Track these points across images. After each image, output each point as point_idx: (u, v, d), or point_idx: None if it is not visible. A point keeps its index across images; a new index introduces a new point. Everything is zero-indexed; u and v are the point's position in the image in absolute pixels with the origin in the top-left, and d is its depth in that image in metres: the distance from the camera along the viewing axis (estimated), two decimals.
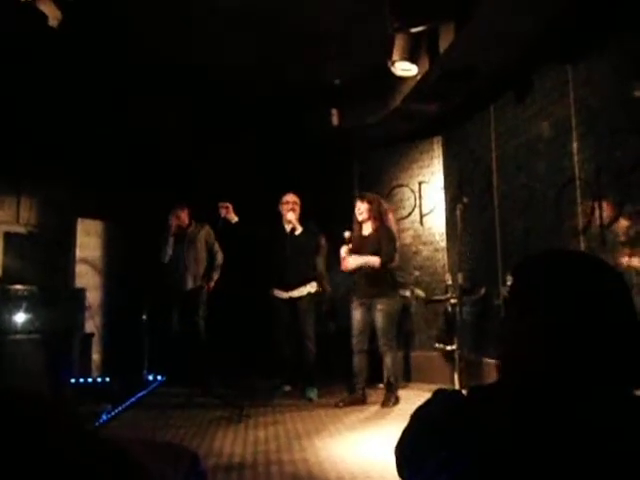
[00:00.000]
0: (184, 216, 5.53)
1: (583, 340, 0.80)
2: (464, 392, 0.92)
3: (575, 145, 3.73)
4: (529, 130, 4.28)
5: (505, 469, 0.75)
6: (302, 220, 4.92)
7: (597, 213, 3.50)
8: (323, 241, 4.99)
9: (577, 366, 0.80)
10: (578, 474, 0.72)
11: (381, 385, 4.79)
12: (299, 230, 4.88)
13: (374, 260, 4.36)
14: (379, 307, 4.35)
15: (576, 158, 3.72)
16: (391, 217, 4.59)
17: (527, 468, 0.74)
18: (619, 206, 3.33)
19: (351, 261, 4.38)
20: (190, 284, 5.41)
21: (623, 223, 3.31)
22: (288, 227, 4.93)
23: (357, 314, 4.49)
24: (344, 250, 4.41)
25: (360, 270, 4.44)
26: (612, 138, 3.36)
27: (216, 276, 5.42)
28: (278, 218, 5.00)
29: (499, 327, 1.05)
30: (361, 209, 4.48)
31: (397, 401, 4.41)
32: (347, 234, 4.44)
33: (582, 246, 3.61)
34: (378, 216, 4.46)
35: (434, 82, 4.39)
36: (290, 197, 4.94)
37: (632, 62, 3.17)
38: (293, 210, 4.87)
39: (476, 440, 0.79)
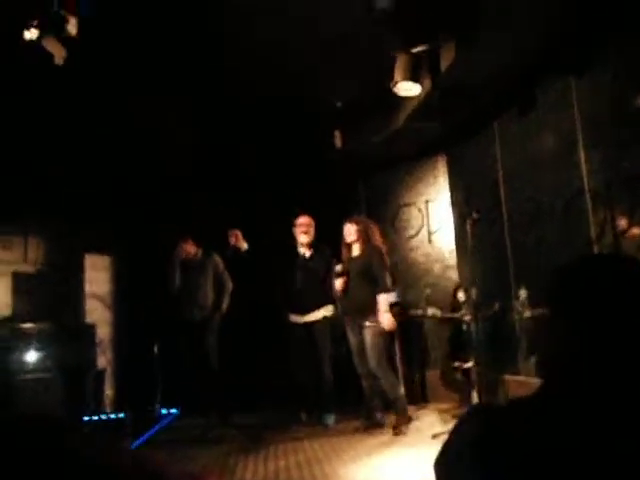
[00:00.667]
0: (189, 247, 5.49)
1: (624, 345, 0.78)
2: (502, 406, 0.90)
3: (582, 156, 3.73)
4: (534, 144, 4.30)
5: None
6: (316, 243, 4.91)
7: (609, 222, 3.49)
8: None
9: (620, 374, 0.78)
10: None
11: (411, 407, 4.71)
12: (310, 250, 4.86)
13: (384, 304, 4.30)
14: (367, 324, 4.31)
15: (584, 169, 3.72)
16: (380, 240, 4.57)
17: None
18: (631, 214, 3.32)
19: (386, 319, 4.28)
20: (197, 315, 5.35)
21: (636, 231, 3.30)
22: (302, 250, 4.92)
23: (351, 336, 4.47)
24: (339, 283, 4.43)
25: (350, 291, 4.43)
26: (619, 148, 3.37)
27: (225, 305, 5.33)
28: (291, 241, 4.99)
29: (536, 336, 1.03)
30: (350, 230, 4.49)
31: (409, 420, 4.29)
32: (338, 267, 4.47)
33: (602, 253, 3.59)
34: (366, 237, 4.46)
35: (436, 101, 4.43)
36: (304, 219, 4.93)
37: (634, 71, 3.19)
38: (307, 233, 4.86)
39: (517, 458, 0.77)
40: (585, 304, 0.84)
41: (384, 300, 4.33)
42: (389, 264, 4.54)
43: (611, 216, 3.49)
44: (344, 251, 4.56)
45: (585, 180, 3.72)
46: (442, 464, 0.92)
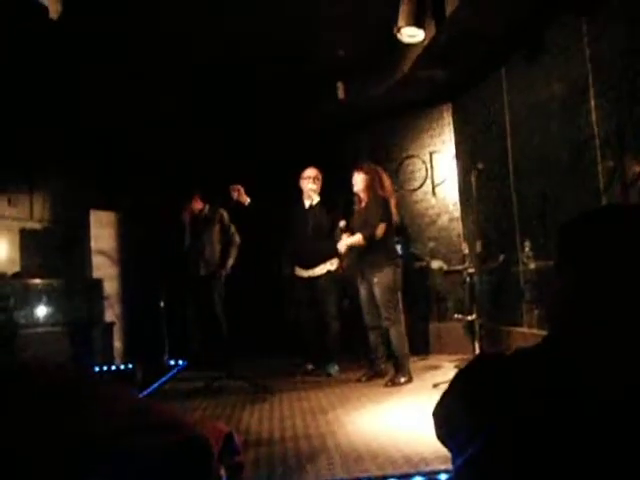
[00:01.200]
0: (196, 204, 5.52)
1: (630, 297, 0.77)
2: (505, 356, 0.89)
3: (593, 103, 3.62)
4: (542, 91, 4.17)
5: (539, 436, 0.73)
6: (322, 196, 4.88)
7: (619, 172, 3.41)
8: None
9: (615, 324, 0.77)
10: (614, 440, 0.69)
11: (414, 358, 4.78)
12: (317, 202, 4.82)
13: (357, 239, 4.29)
14: (375, 281, 4.29)
15: (594, 117, 3.62)
16: (387, 186, 4.44)
17: (562, 435, 0.72)
18: None
19: (339, 246, 4.38)
20: (203, 270, 5.41)
21: None
22: (308, 203, 4.89)
23: (362, 290, 4.47)
24: (342, 244, 4.41)
25: (352, 249, 4.43)
26: (631, 93, 3.26)
27: (232, 260, 5.37)
28: (298, 195, 4.95)
29: (544, 288, 1.02)
30: (357, 180, 4.41)
31: (410, 379, 4.28)
32: (342, 224, 4.44)
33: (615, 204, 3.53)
34: (374, 186, 4.36)
35: (441, 47, 4.29)
36: (311, 171, 4.88)
37: None
38: (314, 185, 4.84)
39: (509, 407, 0.77)
40: (592, 256, 0.82)
41: (349, 241, 4.30)
42: (395, 215, 4.44)
43: (621, 165, 3.40)
44: (356, 200, 4.52)
45: (595, 128, 3.62)
46: (441, 413, 0.92)
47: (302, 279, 4.88)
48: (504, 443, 0.76)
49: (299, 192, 4.94)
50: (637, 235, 0.80)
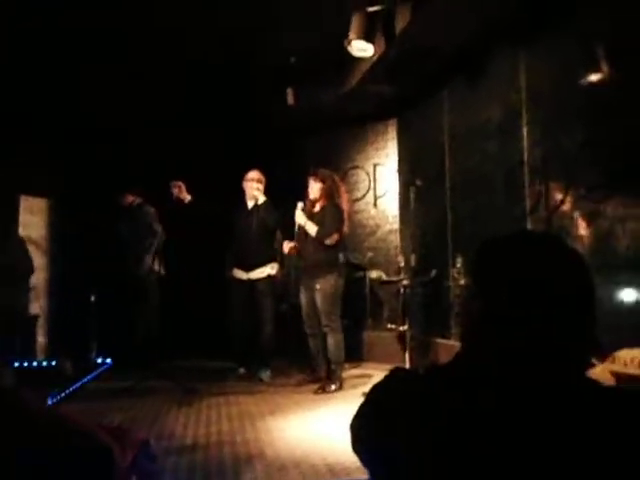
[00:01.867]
0: (127, 197, 5.40)
1: (529, 323, 0.81)
2: (420, 371, 0.93)
3: (525, 130, 3.82)
4: (481, 113, 4.35)
5: (439, 457, 0.76)
6: (265, 198, 4.84)
7: (544, 197, 3.61)
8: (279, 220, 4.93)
9: (527, 348, 0.81)
10: (532, 459, 0.73)
11: (347, 365, 4.83)
12: (261, 202, 4.78)
13: (311, 227, 4.33)
14: (318, 287, 4.31)
15: (525, 142, 3.81)
16: (344, 196, 4.51)
17: (479, 455, 0.74)
18: (565, 190, 3.44)
19: (298, 214, 4.37)
20: (131, 266, 5.28)
21: (568, 207, 3.43)
22: (250, 203, 4.86)
23: (302, 297, 4.49)
24: (299, 206, 4.39)
25: (304, 250, 4.44)
26: (559, 124, 3.46)
27: (148, 258, 5.17)
28: (240, 196, 4.91)
29: (460, 307, 1.06)
30: (314, 188, 4.42)
31: (340, 387, 4.32)
32: (300, 204, 4.43)
33: (529, 228, 3.72)
34: (329, 195, 4.38)
35: (389, 63, 4.40)
36: (254, 174, 4.85)
37: (582, 48, 3.25)
38: (256, 187, 4.79)
39: (413, 426, 0.80)
40: (497, 280, 0.86)
41: (305, 221, 4.33)
42: (346, 226, 4.49)
43: (546, 190, 3.60)
44: (307, 204, 4.47)
45: (525, 153, 3.82)
46: (355, 426, 0.95)
47: (241, 281, 4.85)
48: (410, 461, 0.79)
49: (242, 193, 4.90)
50: (543, 265, 0.86)
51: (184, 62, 5.05)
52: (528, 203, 3.78)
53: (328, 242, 4.31)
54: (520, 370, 0.80)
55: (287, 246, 4.51)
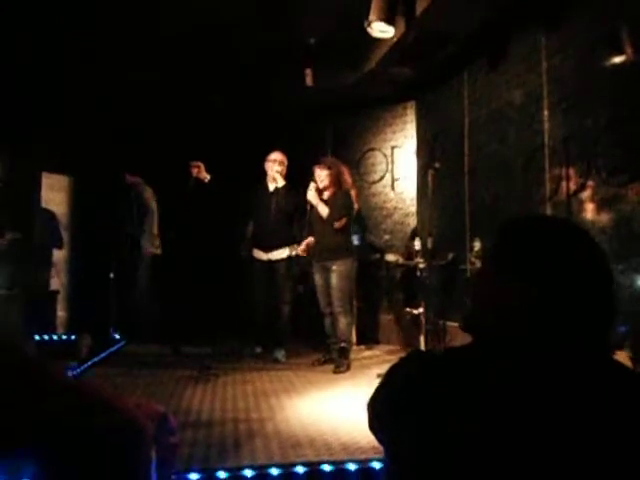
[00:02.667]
0: (130, 176, 5.52)
1: (566, 311, 0.82)
2: (438, 353, 0.94)
3: (545, 113, 3.76)
4: (501, 97, 4.29)
5: (464, 440, 0.76)
6: (287, 181, 4.85)
7: (564, 181, 3.56)
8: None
9: (560, 335, 0.82)
10: (557, 437, 0.74)
11: (354, 347, 4.90)
12: (281, 185, 4.79)
13: (323, 208, 4.41)
14: (334, 268, 4.40)
15: (546, 126, 3.76)
16: (350, 182, 4.59)
17: (497, 439, 0.75)
18: (586, 175, 3.40)
19: (310, 194, 4.44)
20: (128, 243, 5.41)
21: (589, 191, 3.39)
22: (272, 186, 4.88)
23: (317, 277, 4.56)
24: (311, 186, 4.46)
25: (318, 232, 4.50)
26: (581, 107, 3.40)
27: (146, 234, 5.33)
28: (261, 177, 4.92)
29: (473, 286, 1.05)
30: (321, 176, 4.48)
31: (349, 367, 4.41)
32: (313, 185, 4.48)
33: (549, 213, 3.69)
34: (337, 181, 4.48)
35: (410, 45, 4.34)
36: (276, 155, 4.85)
37: (604, 31, 3.18)
38: (278, 168, 4.79)
39: (441, 406, 0.80)
40: (517, 263, 0.86)
41: (318, 202, 4.41)
42: (356, 206, 4.60)
43: (566, 175, 3.56)
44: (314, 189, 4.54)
45: (546, 137, 3.77)
46: (373, 405, 0.96)
47: (260, 261, 4.88)
48: (428, 441, 0.80)
49: (263, 174, 4.91)
50: (563, 252, 0.86)
51: (202, 44, 5.03)
52: (548, 187, 3.74)
53: (337, 226, 4.40)
54: (550, 350, 0.81)
55: (302, 248, 4.58)
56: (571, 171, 3.52)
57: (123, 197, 5.50)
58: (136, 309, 5.35)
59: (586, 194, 3.40)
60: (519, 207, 4.01)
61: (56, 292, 5.70)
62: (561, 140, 3.60)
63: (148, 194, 5.40)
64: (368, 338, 5.61)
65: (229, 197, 5.07)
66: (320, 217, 4.47)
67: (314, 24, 4.74)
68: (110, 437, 0.87)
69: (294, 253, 4.85)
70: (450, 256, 4.97)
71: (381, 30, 3.97)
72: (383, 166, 6.02)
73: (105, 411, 0.88)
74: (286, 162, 4.88)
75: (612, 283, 0.86)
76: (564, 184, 3.57)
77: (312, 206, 4.52)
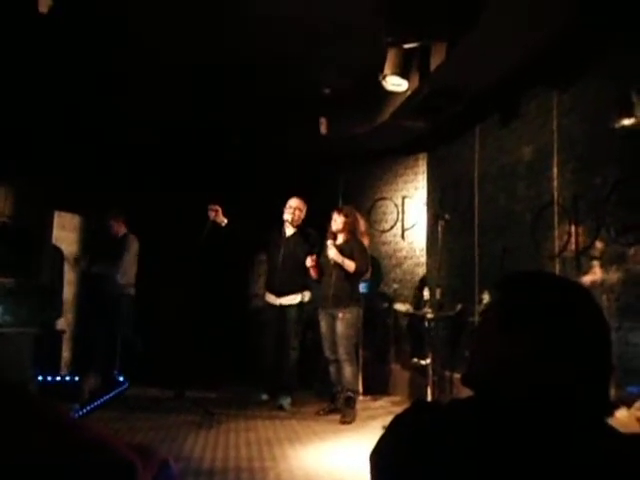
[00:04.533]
0: (117, 226, 5.63)
1: (565, 368, 0.83)
2: (444, 403, 0.93)
3: (555, 171, 3.82)
4: (512, 153, 4.37)
5: None
6: (303, 228, 4.91)
7: (573, 238, 3.58)
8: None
9: (560, 392, 0.82)
10: None
11: (361, 397, 4.85)
12: (297, 232, 4.86)
13: (350, 263, 4.45)
14: (340, 316, 4.42)
15: (555, 183, 3.81)
16: (365, 233, 4.68)
17: None
18: (595, 232, 3.41)
19: (332, 252, 4.46)
20: (109, 289, 5.50)
21: (598, 249, 3.39)
22: (289, 231, 4.92)
23: (323, 324, 4.56)
24: (329, 242, 4.51)
25: (326, 280, 4.52)
26: (591, 165, 3.45)
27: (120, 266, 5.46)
28: (277, 222, 4.98)
29: (473, 339, 1.05)
30: (337, 221, 4.58)
31: (355, 417, 4.34)
32: (330, 241, 4.53)
33: (557, 269, 3.69)
34: (352, 229, 4.56)
35: (423, 99, 4.46)
36: (293, 202, 4.91)
37: (615, 93, 3.26)
38: (295, 215, 4.86)
39: (448, 459, 0.80)
40: (517, 318, 0.87)
41: (341, 258, 4.43)
42: (368, 257, 4.67)
43: (575, 232, 3.58)
44: (329, 237, 4.61)
45: (555, 194, 3.81)
46: (376, 457, 0.95)
47: (271, 306, 4.88)
48: None
49: (281, 219, 4.95)
50: (574, 309, 0.87)
51: (219, 88, 5.20)
52: (557, 244, 3.75)
53: (368, 276, 4.56)
54: (548, 408, 0.81)
55: (310, 261, 4.57)
56: (580, 228, 3.54)
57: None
58: (125, 347, 5.38)
59: (595, 251, 3.41)
60: (528, 261, 4.01)
61: (62, 332, 5.68)
62: (570, 197, 3.63)
63: (135, 248, 5.59)
64: (375, 388, 5.52)
65: (244, 241, 5.13)
66: (328, 265, 4.50)
67: (330, 75, 4.90)
68: (102, 474, 0.87)
69: (306, 299, 4.85)
70: (458, 307, 4.94)
71: (395, 84, 4.09)
72: (394, 215, 6.07)
73: (100, 450, 0.88)
74: (304, 209, 4.94)
75: (610, 342, 0.87)
76: (573, 240, 3.59)
77: (319, 254, 4.58)
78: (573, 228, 3.58)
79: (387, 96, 4.80)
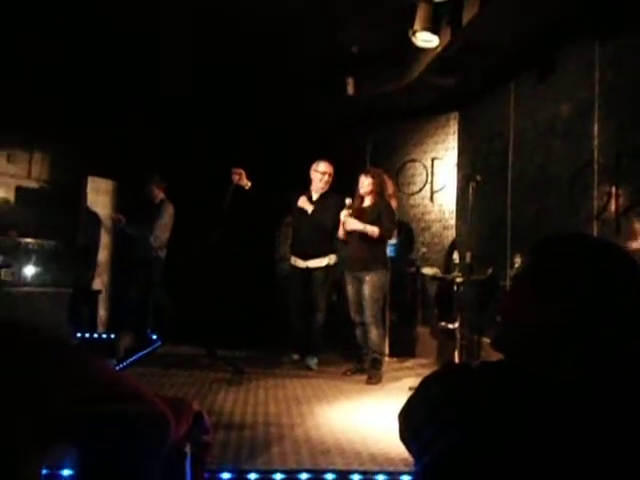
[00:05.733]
0: (157, 191, 5.72)
1: (600, 337, 0.80)
2: (475, 365, 0.92)
3: (596, 128, 3.66)
4: (549, 110, 4.20)
5: (501, 448, 0.76)
6: (330, 191, 4.86)
7: (613, 199, 3.45)
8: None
9: (591, 361, 0.80)
10: (576, 464, 0.72)
11: (387, 359, 4.88)
12: (325, 196, 4.82)
13: (373, 229, 4.37)
14: (367, 279, 4.39)
15: (596, 141, 3.66)
16: (392, 195, 4.64)
17: (543, 454, 0.74)
18: (637, 193, 3.29)
19: (350, 223, 4.41)
20: (141, 255, 5.63)
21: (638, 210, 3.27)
22: (315, 195, 4.89)
23: (349, 287, 4.55)
24: (344, 214, 4.44)
25: (353, 243, 4.47)
26: (635, 122, 3.29)
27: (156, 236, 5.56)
28: (304, 184, 4.94)
29: (504, 304, 1.02)
30: (364, 183, 4.49)
31: (381, 379, 4.36)
32: (348, 201, 4.46)
33: (596, 232, 3.57)
34: (380, 191, 4.49)
35: (454, 55, 4.31)
36: (324, 166, 4.84)
37: None
38: (323, 179, 4.80)
39: (476, 418, 0.79)
40: (553, 283, 0.84)
41: (362, 225, 4.36)
42: (396, 220, 4.63)
43: (616, 193, 3.45)
44: (356, 201, 4.55)
45: (595, 152, 3.66)
46: (406, 416, 0.95)
47: (298, 269, 4.91)
48: (464, 451, 0.78)
49: (308, 182, 4.93)
50: (605, 275, 0.84)
51: (250, 52, 5.13)
52: (596, 205, 3.62)
53: (394, 240, 4.44)
54: (582, 380, 0.79)
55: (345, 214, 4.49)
56: (621, 189, 3.41)
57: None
58: (156, 309, 5.53)
59: (636, 213, 3.29)
60: (564, 224, 3.90)
61: (98, 292, 5.87)
62: (612, 156, 3.49)
63: (170, 214, 5.68)
64: (401, 351, 5.55)
65: (269, 204, 5.13)
66: (362, 221, 4.43)
67: (357, 32, 4.77)
68: (136, 424, 0.89)
69: (332, 262, 4.86)
70: (489, 271, 4.87)
71: (425, 40, 3.96)
72: (423, 177, 5.97)
73: (135, 401, 0.91)
74: (332, 173, 4.88)
75: None
76: (613, 202, 3.46)
77: (355, 210, 4.49)
78: (614, 188, 3.45)
79: (417, 53, 4.66)
